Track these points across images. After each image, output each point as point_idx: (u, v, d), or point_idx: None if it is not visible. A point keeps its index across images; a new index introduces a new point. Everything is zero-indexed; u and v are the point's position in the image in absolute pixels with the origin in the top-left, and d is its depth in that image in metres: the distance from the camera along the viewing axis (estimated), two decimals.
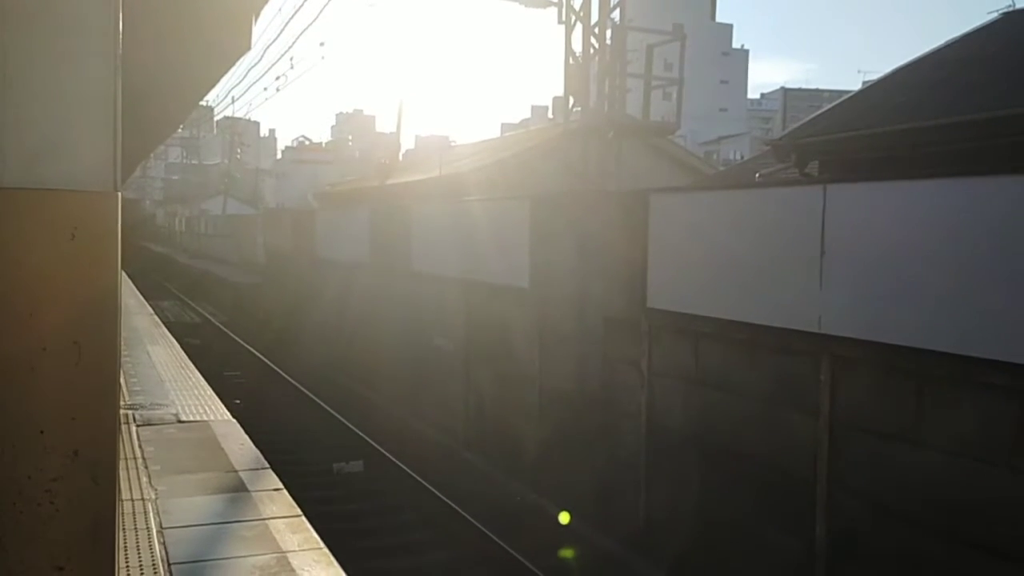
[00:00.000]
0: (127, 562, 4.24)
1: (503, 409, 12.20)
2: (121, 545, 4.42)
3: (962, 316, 6.02)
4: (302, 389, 16.07)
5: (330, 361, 18.44)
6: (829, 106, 10.88)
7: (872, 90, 10.98)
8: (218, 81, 7.81)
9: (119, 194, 2.31)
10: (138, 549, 4.41)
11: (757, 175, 11.99)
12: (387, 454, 11.91)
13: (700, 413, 8.62)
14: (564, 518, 9.54)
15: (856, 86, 12.55)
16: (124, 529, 4.67)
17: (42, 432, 2.23)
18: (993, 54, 9.98)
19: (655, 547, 9.03)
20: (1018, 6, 11.69)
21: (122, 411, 7.34)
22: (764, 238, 7.82)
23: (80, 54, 2.27)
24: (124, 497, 5.16)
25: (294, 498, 5.42)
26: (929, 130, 8.32)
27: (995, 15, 11.38)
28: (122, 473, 5.63)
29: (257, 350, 20.16)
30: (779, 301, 7.58)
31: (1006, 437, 5.80)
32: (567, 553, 8.91)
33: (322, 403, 14.90)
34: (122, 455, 6.05)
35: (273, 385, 17.02)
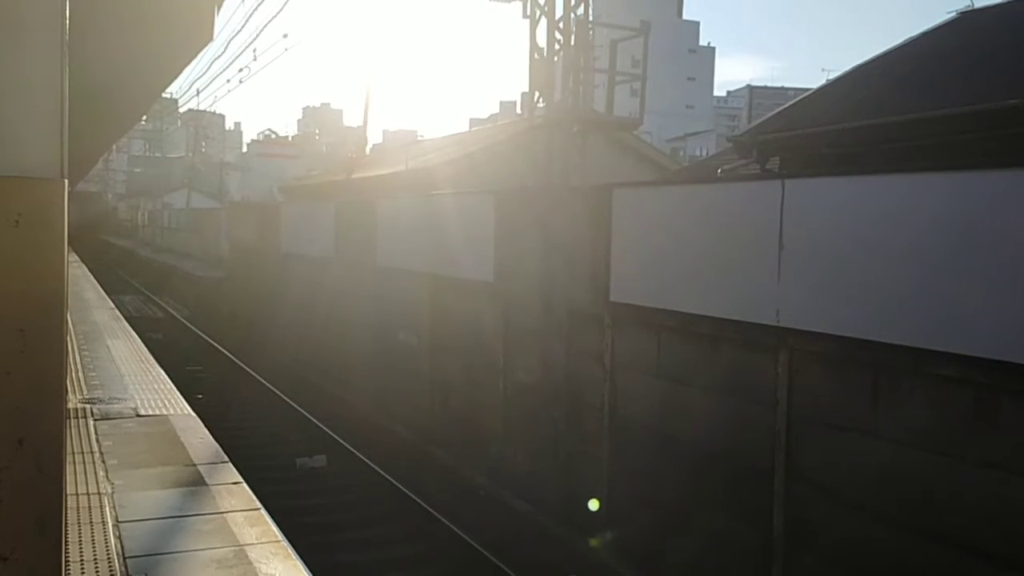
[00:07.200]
0: (81, 555, 4.20)
1: (469, 403, 12.21)
2: (75, 539, 4.38)
3: (915, 309, 6.13)
4: (266, 384, 15.95)
5: (296, 355, 18.32)
6: (790, 103, 11.00)
7: (832, 87, 11.12)
8: (180, 73, 7.72)
9: (66, 181, 2.29)
10: (93, 543, 4.36)
11: (719, 171, 12.11)
12: (351, 448, 11.88)
13: (662, 406, 8.70)
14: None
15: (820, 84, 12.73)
16: (80, 523, 4.62)
17: None
18: (950, 52, 10.16)
19: (618, 539, 9.10)
20: (976, 6, 11.92)
21: (80, 405, 7.25)
22: (724, 232, 7.91)
23: (25, 45, 2.25)
24: (80, 491, 5.11)
25: (255, 492, 5.39)
26: (886, 127, 8.45)
27: (953, 14, 11.59)
28: (78, 467, 5.57)
29: (220, 345, 19.98)
30: (739, 295, 7.67)
31: (957, 428, 5.93)
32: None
33: (286, 398, 14.81)
34: (79, 449, 5.98)
35: (237, 380, 16.87)
